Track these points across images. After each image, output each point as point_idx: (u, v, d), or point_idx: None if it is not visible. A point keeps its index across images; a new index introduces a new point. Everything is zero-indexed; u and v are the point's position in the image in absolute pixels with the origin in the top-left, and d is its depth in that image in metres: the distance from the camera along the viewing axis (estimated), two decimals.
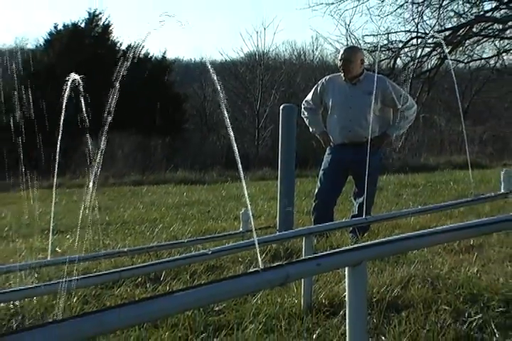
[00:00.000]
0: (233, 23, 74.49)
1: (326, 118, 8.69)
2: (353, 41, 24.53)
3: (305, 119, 8.74)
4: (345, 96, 8.41)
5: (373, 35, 24.90)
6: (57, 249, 6.93)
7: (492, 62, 23.89)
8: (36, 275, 5.96)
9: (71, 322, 2.34)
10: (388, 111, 8.44)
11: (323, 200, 8.54)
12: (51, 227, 6.66)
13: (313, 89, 8.76)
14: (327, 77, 8.81)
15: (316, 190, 8.66)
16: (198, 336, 4.97)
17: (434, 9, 23.10)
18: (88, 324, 2.38)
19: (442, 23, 23.27)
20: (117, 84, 3.28)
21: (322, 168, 8.64)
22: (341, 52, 8.79)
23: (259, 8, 68.44)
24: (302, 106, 8.76)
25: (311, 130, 8.76)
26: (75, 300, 5.73)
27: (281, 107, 8.54)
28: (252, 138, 37.26)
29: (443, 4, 23.02)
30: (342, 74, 8.48)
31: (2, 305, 5.54)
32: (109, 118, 3.38)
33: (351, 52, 8.72)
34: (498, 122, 26.30)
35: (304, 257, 4.78)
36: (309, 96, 8.74)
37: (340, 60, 8.48)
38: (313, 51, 44.79)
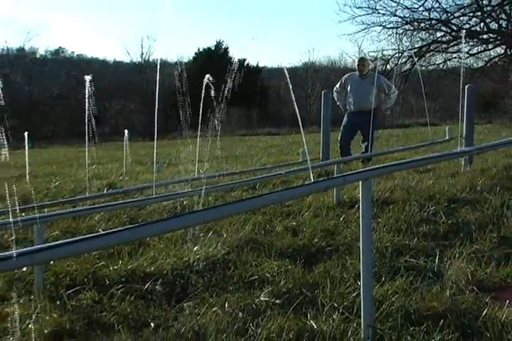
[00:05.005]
0: (297, 45, 73.05)
1: (346, 97, 8.65)
2: (362, 55, 23.94)
3: (335, 98, 8.79)
4: (357, 85, 8.48)
5: (374, 51, 24.51)
6: (200, 170, 6.99)
7: (441, 66, 23.44)
8: (189, 184, 6.01)
9: (206, 212, 2.33)
10: (381, 94, 8.48)
11: (344, 143, 8.59)
12: (197, 159, 6.71)
13: (340, 81, 8.84)
14: (347, 74, 8.92)
15: (339, 138, 8.68)
16: (277, 219, 4.98)
17: (408, 36, 22.93)
18: (216, 212, 2.37)
19: (413, 44, 23.04)
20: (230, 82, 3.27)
21: (343, 124, 8.73)
22: (358, 59, 8.96)
23: (312, 35, 67.21)
24: (333, 91, 8.82)
25: (338, 103, 8.82)
26: (210, 198, 5.79)
27: (322, 92, 8.60)
28: (306, 110, 36.90)
29: (413, 34, 22.78)
30: (357, 72, 8.60)
31: (172, 201, 5.61)
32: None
33: (364, 60, 8.97)
34: (444, 100, 25.89)
35: (335, 175, 4.73)
36: (337, 85, 8.82)
37: (357, 65, 8.65)
38: (340, 61, 43.83)
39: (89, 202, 5.96)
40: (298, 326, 2.81)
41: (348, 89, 8.56)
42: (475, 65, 23.58)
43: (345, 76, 8.81)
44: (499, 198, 5.07)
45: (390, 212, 4.86)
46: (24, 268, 3.74)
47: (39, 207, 5.47)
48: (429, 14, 22.52)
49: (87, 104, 6.45)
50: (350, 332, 2.72)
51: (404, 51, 22.55)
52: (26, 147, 8.49)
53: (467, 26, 22.11)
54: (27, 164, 8.31)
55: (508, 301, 3.04)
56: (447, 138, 7.96)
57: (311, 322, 2.84)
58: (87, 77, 6.65)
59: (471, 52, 22.69)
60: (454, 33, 22.43)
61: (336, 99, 8.79)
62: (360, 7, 22.48)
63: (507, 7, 21.78)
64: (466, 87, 7.24)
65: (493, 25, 22.27)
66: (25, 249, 1.87)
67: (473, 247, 3.87)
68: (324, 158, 8.03)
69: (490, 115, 22.99)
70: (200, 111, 5.69)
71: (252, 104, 32.35)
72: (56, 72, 38.82)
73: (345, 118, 8.67)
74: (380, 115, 8.67)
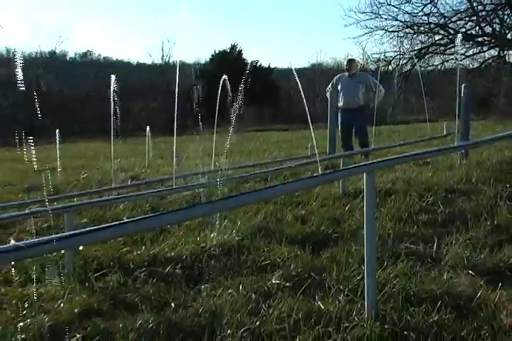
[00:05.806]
0: (306, 47, 72.28)
1: (337, 95, 8.54)
2: (366, 57, 23.67)
3: (328, 97, 8.66)
4: (347, 84, 8.40)
5: (377, 53, 24.21)
6: (216, 163, 6.98)
7: (439, 67, 23.23)
8: (206, 176, 6.00)
9: (222, 202, 2.33)
10: (369, 92, 8.37)
11: (345, 140, 8.45)
12: (213, 152, 6.70)
13: (332, 81, 8.72)
14: (338, 75, 8.80)
15: (341, 135, 8.49)
16: (287, 208, 4.97)
17: (409, 39, 22.79)
18: (231, 202, 2.37)
19: (413, 47, 22.85)
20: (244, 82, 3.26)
21: (339, 124, 8.51)
22: (347, 61, 8.81)
23: (319, 38, 66.63)
24: (326, 91, 8.77)
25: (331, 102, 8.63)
26: (225, 190, 5.78)
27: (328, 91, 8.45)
28: (314, 107, 36.71)
29: (413, 37, 22.65)
30: (346, 72, 8.53)
31: (190, 192, 5.61)
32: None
33: (352, 61, 8.82)
34: (442, 99, 25.67)
35: (341, 168, 4.71)
36: (329, 85, 8.73)
37: (346, 65, 8.61)
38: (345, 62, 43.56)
39: (115, 192, 5.98)
40: (306, 307, 2.81)
41: (339, 87, 8.48)
42: (471, 65, 23.40)
43: (336, 76, 8.73)
44: (493, 189, 5.04)
45: (391, 201, 4.83)
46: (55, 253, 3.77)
47: (69, 197, 5.51)
48: (428, 19, 22.47)
49: (112, 103, 6.47)
50: (354, 312, 2.73)
51: (405, 53, 22.42)
52: (57, 142, 8.55)
53: (463, 30, 21.98)
54: (58, 158, 8.36)
55: (500, 284, 3.03)
56: (445, 133, 7.90)
57: (319, 303, 2.85)
58: (113, 78, 6.69)
59: (467, 53, 22.58)
60: (451, 36, 22.28)
61: (329, 98, 8.69)
62: (364, 12, 22.50)
63: (500, 12, 21.63)
64: (463, 86, 7.19)
65: (488, 29, 22.17)
66: (57, 235, 1.89)
67: (469, 234, 3.86)
68: (331, 152, 7.98)
69: (485, 112, 22.79)
70: (217, 108, 5.68)
71: (264, 102, 32.27)
72: (85, 73, 38.97)
73: (339, 116, 8.53)
74: (371, 111, 8.55)
